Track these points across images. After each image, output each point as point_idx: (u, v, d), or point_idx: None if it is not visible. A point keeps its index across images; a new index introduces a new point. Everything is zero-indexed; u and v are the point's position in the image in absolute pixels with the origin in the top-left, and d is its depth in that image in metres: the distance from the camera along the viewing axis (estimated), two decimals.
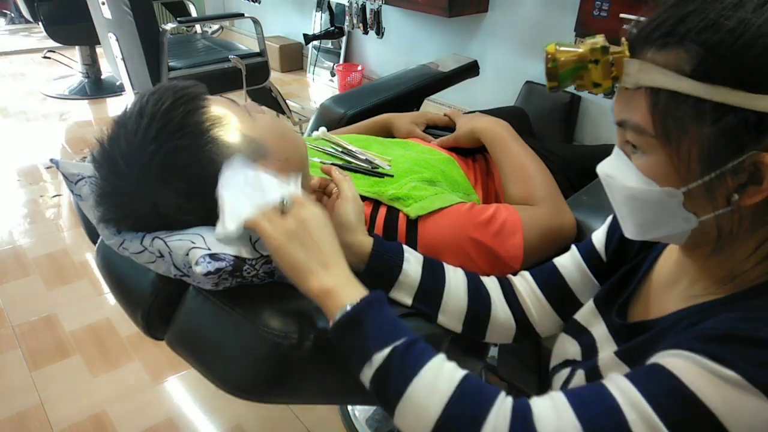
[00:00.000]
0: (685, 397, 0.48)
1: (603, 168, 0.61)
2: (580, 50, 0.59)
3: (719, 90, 0.48)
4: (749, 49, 0.47)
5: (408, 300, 0.81)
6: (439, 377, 0.58)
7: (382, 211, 0.90)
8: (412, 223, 0.88)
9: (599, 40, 0.58)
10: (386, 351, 0.60)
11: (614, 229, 0.79)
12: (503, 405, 0.55)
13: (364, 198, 0.91)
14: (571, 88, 0.62)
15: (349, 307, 0.63)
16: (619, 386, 0.52)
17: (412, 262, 0.81)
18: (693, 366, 0.48)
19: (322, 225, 0.69)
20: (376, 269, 0.79)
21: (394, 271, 0.79)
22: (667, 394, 0.49)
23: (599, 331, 0.71)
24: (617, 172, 0.58)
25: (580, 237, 0.96)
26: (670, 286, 0.64)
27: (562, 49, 0.61)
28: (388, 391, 0.60)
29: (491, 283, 0.85)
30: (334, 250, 0.68)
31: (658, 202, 0.55)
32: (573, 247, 0.84)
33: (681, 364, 0.49)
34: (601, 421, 0.51)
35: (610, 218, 0.81)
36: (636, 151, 0.56)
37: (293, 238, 0.66)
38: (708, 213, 0.53)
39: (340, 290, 0.64)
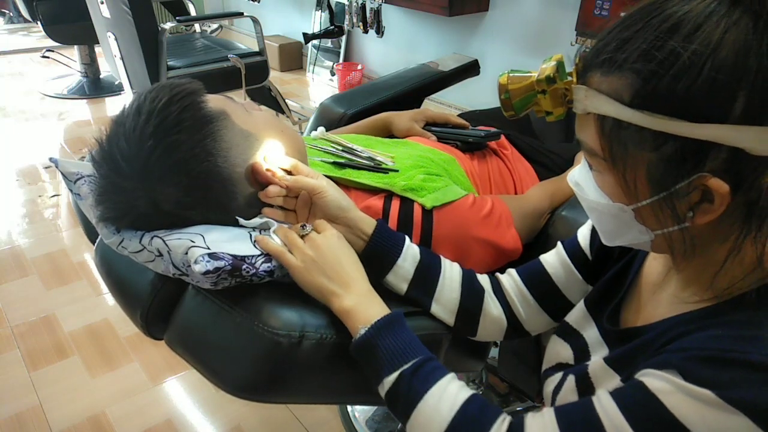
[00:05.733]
0: (667, 421, 0.49)
1: (573, 176, 0.63)
2: (531, 78, 0.59)
3: (657, 119, 0.48)
4: (679, 81, 0.47)
5: (404, 285, 0.80)
6: (443, 400, 0.63)
7: (396, 204, 0.91)
8: (428, 214, 0.89)
9: (549, 66, 0.58)
10: (394, 375, 0.66)
11: None
12: (501, 427, 0.60)
13: (375, 190, 0.91)
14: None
15: (363, 331, 0.68)
16: (605, 408, 0.54)
17: (411, 248, 0.81)
18: (675, 389, 0.49)
19: (338, 246, 0.74)
20: (376, 251, 0.79)
21: (393, 253, 0.79)
22: (649, 418, 0.50)
23: (591, 335, 0.71)
24: (583, 183, 0.60)
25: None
26: (661, 288, 0.64)
27: (513, 76, 0.61)
28: (398, 412, 0.66)
29: (484, 280, 0.85)
30: (353, 269, 0.74)
31: (613, 215, 0.57)
32: (559, 244, 0.84)
33: (664, 387, 0.50)
34: None
35: None
36: (592, 169, 0.58)
37: (313, 264, 0.72)
38: (659, 230, 0.55)
39: (359, 310, 0.70)
